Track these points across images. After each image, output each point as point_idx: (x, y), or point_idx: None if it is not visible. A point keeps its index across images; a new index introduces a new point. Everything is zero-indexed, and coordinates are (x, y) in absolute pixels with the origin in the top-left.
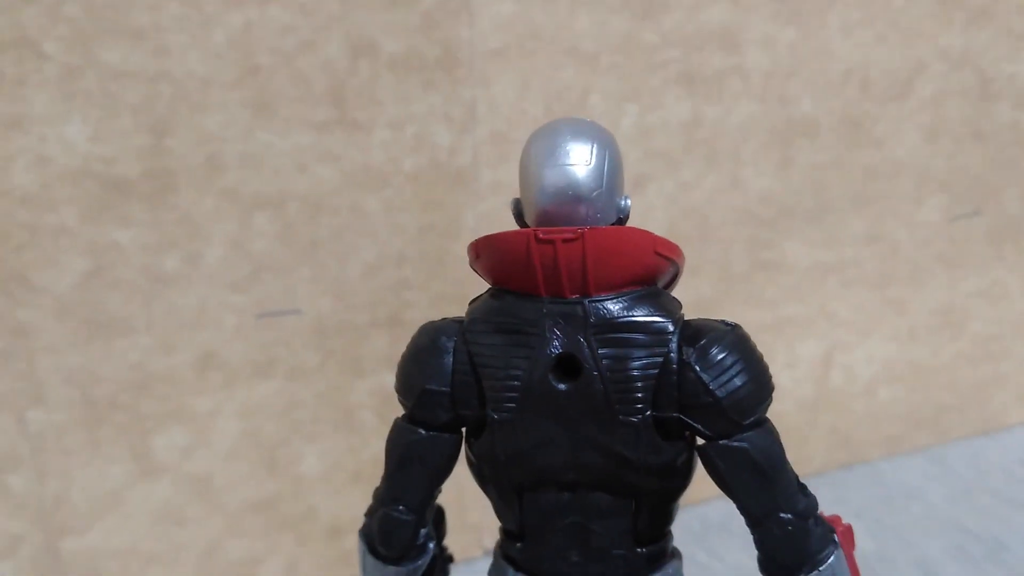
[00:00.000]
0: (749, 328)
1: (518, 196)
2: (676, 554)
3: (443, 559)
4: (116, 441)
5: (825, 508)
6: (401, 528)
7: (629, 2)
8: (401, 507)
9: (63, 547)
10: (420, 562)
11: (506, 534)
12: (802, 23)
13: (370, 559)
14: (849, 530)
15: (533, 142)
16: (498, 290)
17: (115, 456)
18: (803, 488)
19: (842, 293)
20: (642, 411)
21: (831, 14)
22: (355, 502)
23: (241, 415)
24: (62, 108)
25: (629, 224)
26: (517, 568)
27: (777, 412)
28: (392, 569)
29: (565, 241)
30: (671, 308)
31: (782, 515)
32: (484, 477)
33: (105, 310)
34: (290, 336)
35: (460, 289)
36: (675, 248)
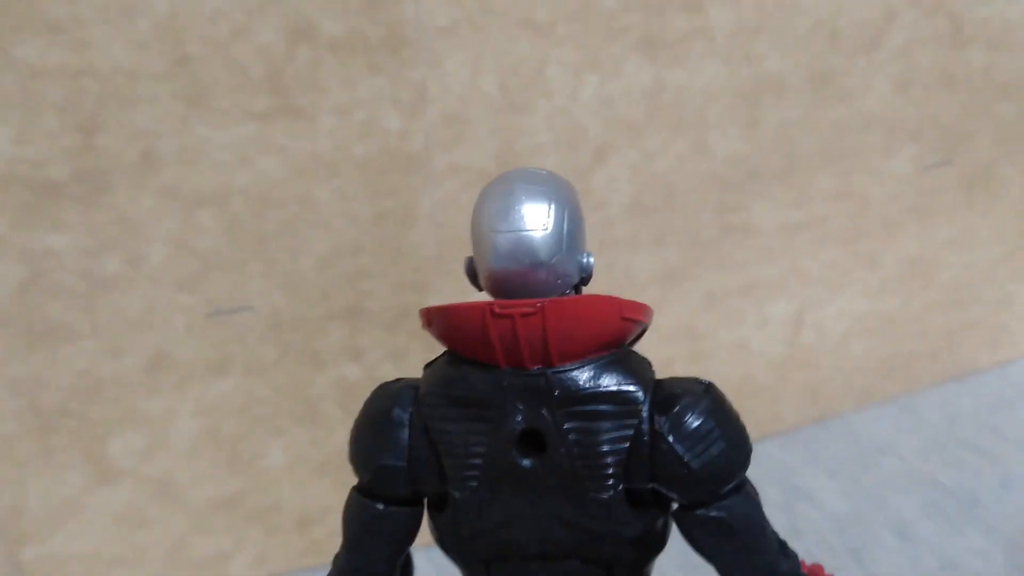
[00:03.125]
0: (719, 293)
1: (471, 255)
2: None
3: None
4: (70, 448)
5: (799, 467)
6: None
7: None
8: None
9: (24, 556)
10: None
11: None
12: None
13: None
14: None
15: (484, 201)
16: (454, 356)
17: (70, 463)
18: (784, 547)
19: (812, 251)
20: (613, 487)
21: None
22: (322, 492)
23: (198, 414)
24: None
25: (591, 286)
26: None
27: (748, 373)
28: None
29: (524, 316)
30: (641, 373)
31: None
32: (448, 549)
33: (46, 317)
34: (244, 332)
35: (420, 276)
36: (642, 309)
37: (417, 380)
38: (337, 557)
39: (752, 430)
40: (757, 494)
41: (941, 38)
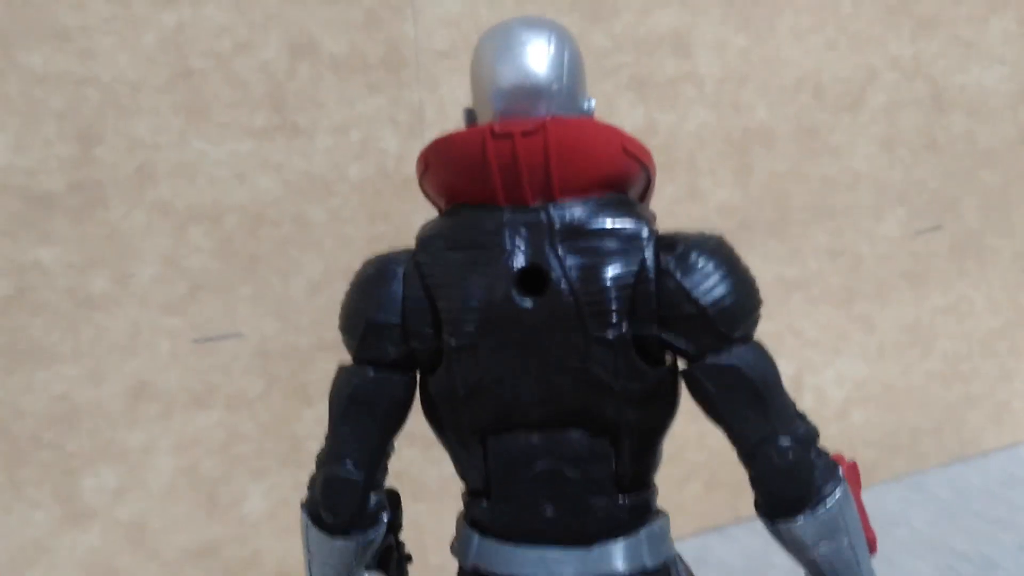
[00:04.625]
0: None
1: (469, 106)
2: (663, 513)
3: (400, 555)
4: (40, 483)
5: None
6: (348, 489)
7: (578, 3)
8: (348, 463)
9: None
10: (372, 534)
11: (471, 494)
12: (752, 28)
13: (314, 532)
14: (854, 468)
15: (484, 41)
16: (452, 207)
17: (39, 500)
18: (802, 416)
19: (808, 310)
20: (618, 326)
21: (780, 19)
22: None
23: (177, 450)
24: None
25: None
26: (484, 532)
27: None
28: (340, 543)
29: (524, 135)
30: (644, 215)
31: (781, 441)
32: (442, 423)
33: (27, 337)
34: (230, 361)
35: None
36: (645, 149)
37: (410, 248)
38: (320, 453)
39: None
40: (771, 355)
41: (922, 101)
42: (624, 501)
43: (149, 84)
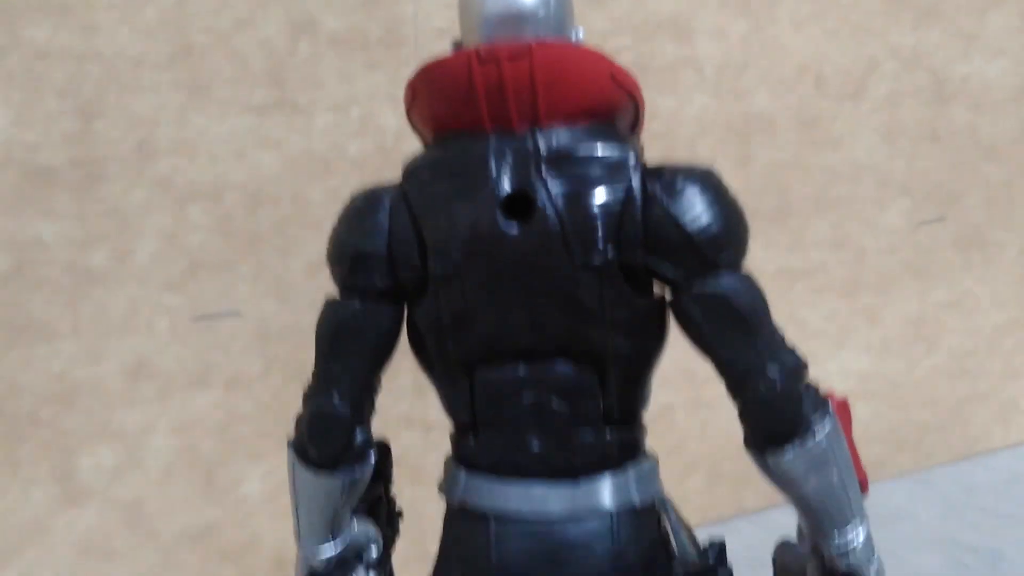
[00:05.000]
0: None
1: (458, 39)
2: (652, 455)
3: (391, 508)
4: (38, 462)
5: None
6: (335, 421)
7: None
8: (335, 396)
9: None
10: (358, 472)
11: (458, 431)
12: (752, 15)
13: (301, 471)
14: (845, 405)
15: None
16: (438, 138)
17: (36, 478)
18: (792, 348)
19: (812, 300)
20: (604, 252)
21: (781, 7)
22: None
23: (176, 430)
24: None
25: None
26: (471, 467)
27: None
28: (326, 479)
29: (511, 59)
30: (631, 143)
31: (769, 371)
32: (429, 355)
33: (26, 312)
34: (229, 340)
35: None
36: (634, 81)
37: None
38: (306, 391)
39: (758, 498)
40: (761, 287)
41: (923, 92)
42: (611, 436)
43: (150, 60)
